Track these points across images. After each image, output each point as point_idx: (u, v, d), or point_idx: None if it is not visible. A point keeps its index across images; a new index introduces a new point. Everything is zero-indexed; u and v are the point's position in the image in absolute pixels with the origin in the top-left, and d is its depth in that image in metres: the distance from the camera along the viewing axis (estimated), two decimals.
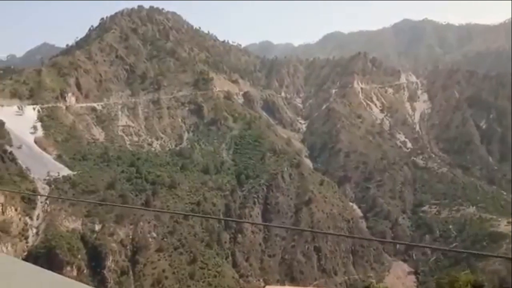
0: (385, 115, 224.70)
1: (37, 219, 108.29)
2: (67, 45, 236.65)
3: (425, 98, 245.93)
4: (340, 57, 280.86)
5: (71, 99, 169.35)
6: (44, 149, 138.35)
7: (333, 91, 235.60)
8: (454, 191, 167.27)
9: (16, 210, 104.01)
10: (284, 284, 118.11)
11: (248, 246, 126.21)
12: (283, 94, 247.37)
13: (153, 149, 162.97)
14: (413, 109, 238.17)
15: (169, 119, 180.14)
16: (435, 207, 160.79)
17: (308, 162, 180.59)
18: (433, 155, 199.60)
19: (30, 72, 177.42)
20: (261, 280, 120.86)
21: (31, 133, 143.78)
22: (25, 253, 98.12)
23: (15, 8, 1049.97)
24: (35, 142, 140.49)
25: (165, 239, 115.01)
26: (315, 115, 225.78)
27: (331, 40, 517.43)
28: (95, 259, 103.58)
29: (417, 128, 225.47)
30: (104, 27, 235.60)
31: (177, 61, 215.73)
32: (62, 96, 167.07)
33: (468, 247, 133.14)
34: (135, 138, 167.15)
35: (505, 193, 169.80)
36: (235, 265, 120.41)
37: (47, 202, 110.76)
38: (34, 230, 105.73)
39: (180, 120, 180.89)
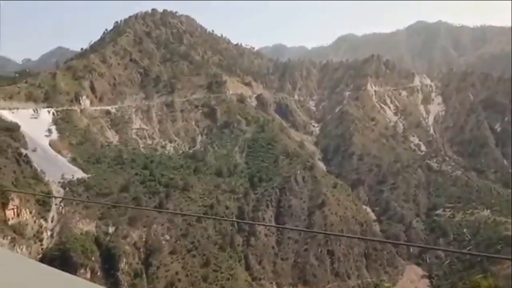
0: (398, 117, 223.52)
1: (52, 222, 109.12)
2: (81, 49, 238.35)
3: (439, 100, 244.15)
4: (353, 60, 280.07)
5: (85, 102, 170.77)
6: (59, 152, 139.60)
7: (347, 93, 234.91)
8: (468, 194, 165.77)
9: (31, 212, 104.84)
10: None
11: (261, 249, 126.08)
12: (296, 96, 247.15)
13: (166, 152, 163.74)
14: (427, 112, 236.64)
15: (182, 122, 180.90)
16: (449, 211, 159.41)
17: (321, 165, 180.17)
18: (447, 158, 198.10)
19: (45, 76, 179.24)
20: (274, 283, 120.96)
21: (46, 136, 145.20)
22: (40, 256, 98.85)
23: (30, 13, 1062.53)
24: (50, 145, 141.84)
25: (178, 242, 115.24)
26: (328, 117, 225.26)
27: (344, 43, 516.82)
28: (109, 261, 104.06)
29: (431, 130, 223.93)
30: (118, 30, 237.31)
31: (190, 64, 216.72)
32: (77, 99, 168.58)
33: (482, 250, 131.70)
34: (149, 141, 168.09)
35: None
36: (248, 268, 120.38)
37: (62, 204, 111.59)
38: (49, 233, 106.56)
39: (193, 123, 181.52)
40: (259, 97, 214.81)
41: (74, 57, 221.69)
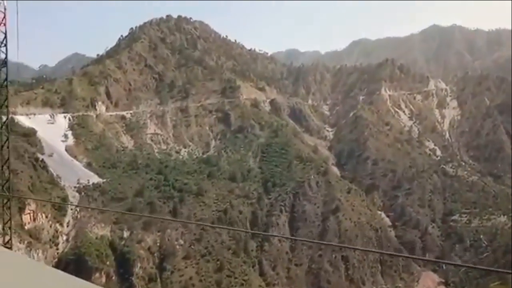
0: (413, 122, 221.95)
1: (67, 226, 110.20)
2: (97, 55, 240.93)
3: (454, 104, 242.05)
4: (367, 64, 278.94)
5: (101, 107, 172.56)
6: (75, 157, 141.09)
7: (361, 98, 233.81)
8: (485, 200, 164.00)
9: (47, 217, 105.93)
10: None
11: (275, 254, 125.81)
12: (310, 101, 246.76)
13: (180, 157, 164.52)
14: (443, 116, 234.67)
15: (196, 127, 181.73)
16: (466, 216, 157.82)
17: (335, 170, 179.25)
18: (463, 163, 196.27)
19: (62, 81, 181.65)
20: None
21: (62, 141, 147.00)
22: (55, 260, 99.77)
23: (47, 19, 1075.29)
24: (66, 150, 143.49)
25: (192, 247, 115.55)
26: (342, 122, 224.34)
27: (358, 47, 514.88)
28: (124, 266, 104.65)
29: (447, 135, 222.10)
30: (133, 36, 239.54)
31: (204, 69, 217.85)
32: (93, 104, 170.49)
33: (499, 257, 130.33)
34: (163, 146, 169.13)
35: None
36: (262, 273, 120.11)
37: (77, 209, 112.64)
38: (64, 237, 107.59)
39: (207, 128, 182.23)
40: (272, 102, 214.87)
41: (90, 63, 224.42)
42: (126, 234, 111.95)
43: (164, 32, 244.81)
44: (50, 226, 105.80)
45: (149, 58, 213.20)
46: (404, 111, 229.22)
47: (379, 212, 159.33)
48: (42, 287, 5.58)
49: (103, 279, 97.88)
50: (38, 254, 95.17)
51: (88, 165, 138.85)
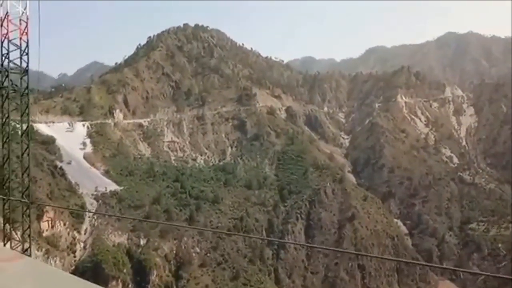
0: (430, 129, 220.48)
1: (85, 234, 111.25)
2: (116, 63, 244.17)
3: (471, 112, 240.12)
4: (383, 71, 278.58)
5: (119, 115, 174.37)
6: (93, 165, 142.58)
7: (376, 105, 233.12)
8: (503, 208, 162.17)
9: (64, 224, 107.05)
10: None
11: (291, 262, 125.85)
12: (325, 109, 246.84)
13: (197, 164, 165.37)
14: (459, 123, 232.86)
15: (213, 135, 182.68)
16: (483, 225, 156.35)
17: (351, 177, 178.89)
18: (481, 171, 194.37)
19: (80, 90, 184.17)
20: None
21: (81, 149, 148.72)
22: (72, 267, 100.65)
23: (66, 29, 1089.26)
24: (84, 157, 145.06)
25: (208, 255, 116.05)
26: (358, 129, 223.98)
27: (373, 55, 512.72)
28: (140, 273, 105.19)
29: (464, 142, 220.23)
30: (151, 45, 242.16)
31: (221, 77, 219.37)
32: (111, 112, 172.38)
33: None
34: (180, 154, 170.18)
35: None
36: (277, 281, 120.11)
37: (95, 216, 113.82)
38: (82, 244, 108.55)
39: (223, 135, 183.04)
40: (288, 110, 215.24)
41: (109, 71, 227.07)
42: (142, 241, 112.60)
43: (181, 40, 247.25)
44: (68, 234, 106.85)
45: (166, 66, 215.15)
46: (420, 118, 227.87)
47: (396, 220, 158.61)
48: None
49: (120, 287, 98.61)
50: (55, 262, 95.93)
51: (106, 173, 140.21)
